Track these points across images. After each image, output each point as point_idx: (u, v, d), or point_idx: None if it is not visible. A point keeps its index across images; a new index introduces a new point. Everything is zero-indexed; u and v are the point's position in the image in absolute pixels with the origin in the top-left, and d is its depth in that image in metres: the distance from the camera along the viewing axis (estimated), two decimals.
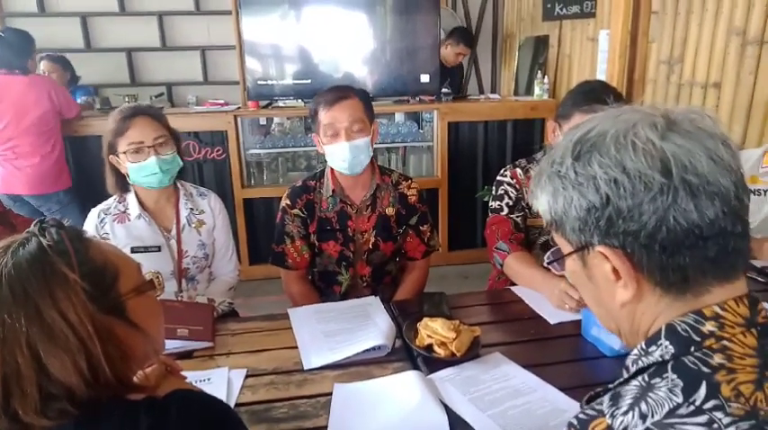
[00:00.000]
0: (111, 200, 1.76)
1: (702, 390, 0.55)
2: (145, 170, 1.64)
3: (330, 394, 1.18)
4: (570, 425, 0.60)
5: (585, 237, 0.63)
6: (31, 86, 3.03)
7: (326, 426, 1.08)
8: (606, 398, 0.60)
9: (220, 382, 1.23)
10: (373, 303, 1.59)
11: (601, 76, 3.25)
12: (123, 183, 1.72)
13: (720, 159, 0.58)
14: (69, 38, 4.68)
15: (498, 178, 1.87)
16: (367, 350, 1.31)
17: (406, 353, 1.33)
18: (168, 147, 1.67)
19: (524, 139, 3.68)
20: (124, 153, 1.63)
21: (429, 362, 1.27)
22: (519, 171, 1.84)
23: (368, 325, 1.45)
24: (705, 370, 0.56)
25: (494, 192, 1.87)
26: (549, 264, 0.74)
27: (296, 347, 1.37)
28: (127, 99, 3.47)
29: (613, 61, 3.14)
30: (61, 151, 3.18)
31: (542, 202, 0.68)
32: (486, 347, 1.33)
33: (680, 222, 0.57)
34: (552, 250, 0.73)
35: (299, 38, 3.63)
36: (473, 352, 1.29)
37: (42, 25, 4.61)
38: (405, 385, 1.19)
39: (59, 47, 4.52)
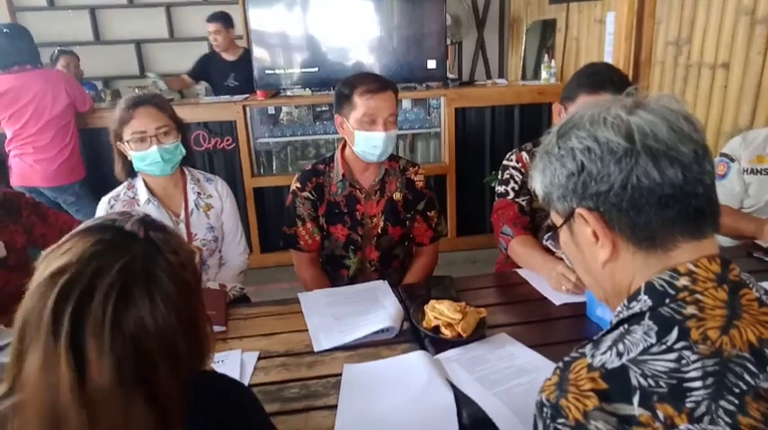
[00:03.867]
0: (120, 187, 1.81)
1: (674, 333, 0.62)
2: (147, 159, 1.68)
3: (340, 374, 1.21)
4: (557, 367, 0.67)
5: (568, 204, 0.72)
6: (47, 82, 3.07)
7: (336, 405, 1.11)
8: (589, 345, 0.67)
9: (234, 364, 1.26)
10: (381, 287, 1.62)
11: (607, 58, 3.23)
12: (131, 169, 1.76)
13: (681, 130, 0.66)
14: (78, 31, 4.73)
15: (504, 162, 1.89)
16: (376, 332, 1.34)
17: (413, 335, 1.36)
18: (171, 136, 1.71)
19: (532, 124, 3.67)
20: (128, 141, 1.68)
21: (436, 342, 1.30)
22: (525, 155, 1.85)
23: (376, 308, 1.48)
24: (678, 317, 0.63)
25: (500, 177, 1.88)
26: (547, 241, 0.80)
27: (306, 330, 1.41)
28: (137, 91, 3.51)
29: (619, 43, 3.12)
30: (76, 143, 3.23)
31: (537, 181, 0.77)
32: (493, 328, 1.36)
33: (642, 181, 0.65)
34: (551, 231, 0.81)
35: (305, 27, 3.63)
36: (479, 332, 1.31)
37: (52, 19, 4.67)
38: (412, 365, 1.22)
39: (69, 40, 4.58)
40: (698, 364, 0.59)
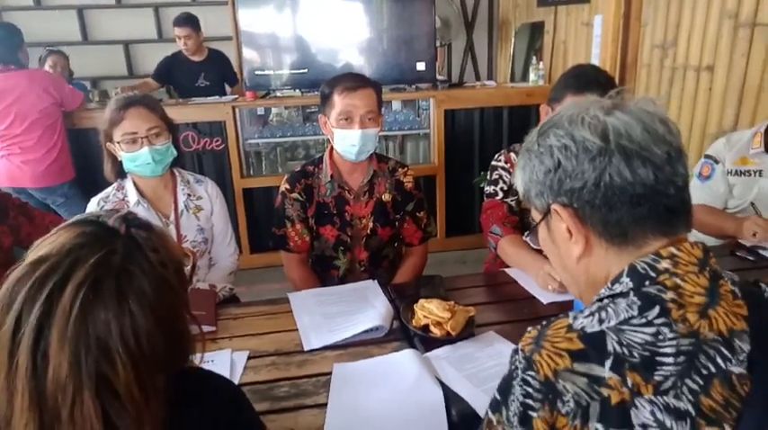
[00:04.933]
0: (109, 188, 1.79)
1: (656, 310, 0.65)
2: (138, 160, 1.68)
3: (330, 373, 1.22)
4: (539, 323, 0.72)
5: (545, 200, 0.75)
6: (31, 81, 3.04)
7: (326, 404, 1.12)
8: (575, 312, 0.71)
9: (223, 364, 1.27)
10: (371, 286, 1.63)
11: (594, 60, 3.27)
12: (120, 170, 1.75)
13: (655, 131, 0.69)
14: (66, 31, 4.69)
15: (493, 163, 1.90)
16: (365, 331, 1.35)
17: (403, 334, 1.37)
18: (162, 137, 1.70)
19: (520, 125, 3.69)
20: (119, 142, 1.67)
21: (425, 341, 1.31)
22: (513, 155, 1.87)
23: (366, 307, 1.49)
24: (659, 298, 0.66)
25: (489, 177, 1.90)
26: (526, 237, 0.84)
27: (296, 330, 1.41)
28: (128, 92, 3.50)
29: (606, 46, 3.16)
30: (65, 144, 3.21)
31: (518, 178, 0.80)
32: (481, 327, 1.37)
33: (614, 180, 0.68)
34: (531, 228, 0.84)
35: (295, 28, 3.63)
36: (468, 331, 1.33)
37: (39, 19, 4.63)
38: (402, 363, 1.23)
39: (56, 40, 4.54)
40: (673, 342, 0.63)
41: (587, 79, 1.63)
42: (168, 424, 0.70)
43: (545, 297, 1.52)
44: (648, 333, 0.63)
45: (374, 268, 1.93)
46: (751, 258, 1.67)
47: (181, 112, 3.32)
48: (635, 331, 0.64)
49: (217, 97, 3.74)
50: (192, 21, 3.91)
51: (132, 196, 1.76)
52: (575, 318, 0.68)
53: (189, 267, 0.83)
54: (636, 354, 0.63)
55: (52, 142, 3.11)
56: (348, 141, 1.75)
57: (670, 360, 0.62)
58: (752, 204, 1.88)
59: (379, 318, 1.39)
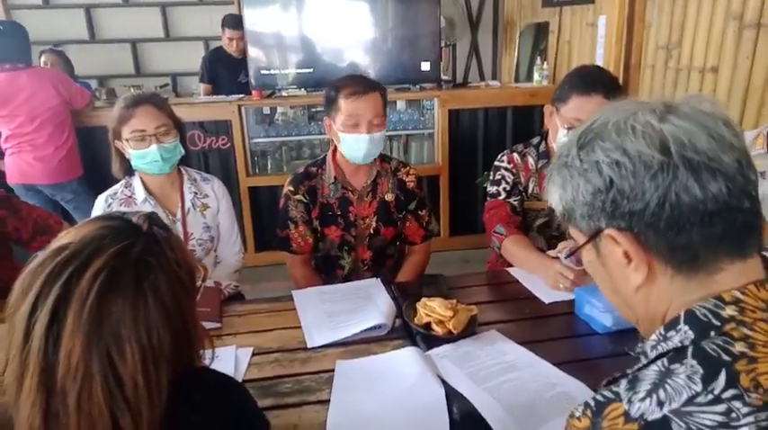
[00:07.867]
0: (117, 185, 1.81)
1: (722, 379, 0.54)
2: (146, 157, 1.69)
3: (333, 370, 1.23)
4: (587, 405, 0.61)
5: (595, 223, 0.65)
6: (41, 80, 3.08)
7: (329, 400, 1.13)
8: (624, 382, 0.60)
9: (228, 360, 1.28)
10: (374, 285, 1.64)
11: (599, 61, 3.27)
12: (128, 167, 1.77)
13: (721, 137, 0.59)
14: (74, 29, 4.72)
15: (495, 163, 1.91)
16: (368, 329, 1.37)
17: (405, 332, 1.38)
18: (170, 135, 1.72)
19: (524, 126, 3.70)
20: (127, 140, 1.69)
21: (427, 339, 1.33)
22: (516, 155, 1.88)
23: (369, 305, 1.50)
24: (725, 358, 0.55)
25: (491, 178, 1.91)
26: (566, 258, 0.75)
27: (300, 327, 1.43)
28: (132, 90, 3.52)
29: (610, 46, 3.16)
30: (74, 141, 3.24)
31: (554, 196, 0.69)
32: (483, 325, 1.38)
33: (682, 198, 0.58)
34: (570, 246, 0.75)
35: (301, 27, 3.65)
36: (470, 329, 1.34)
37: (47, 17, 4.67)
38: (404, 361, 1.25)
39: (64, 39, 4.58)
40: (750, 418, 0.52)
41: (592, 79, 1.64)
42: (171, 425, 0.71)
43: (547, 296, 1.53)
44: (719, 411, 0.53)
45: (378, 267, 1.95)
46: None
47: (187, 111, 3.34)
48: (703, 412, 0.53)
49: (223, 96, 3.76)
50: (242, 22, 3.97)
51: (140, 193, 1.78)
52: (629, 400, 0.57)
53: (200, 281, 0.85)
54: None
55: (62, 139, 3.15)
56: (355, 146, 1.75)
57: None
58: None
59: (382, 316, 1.41)
